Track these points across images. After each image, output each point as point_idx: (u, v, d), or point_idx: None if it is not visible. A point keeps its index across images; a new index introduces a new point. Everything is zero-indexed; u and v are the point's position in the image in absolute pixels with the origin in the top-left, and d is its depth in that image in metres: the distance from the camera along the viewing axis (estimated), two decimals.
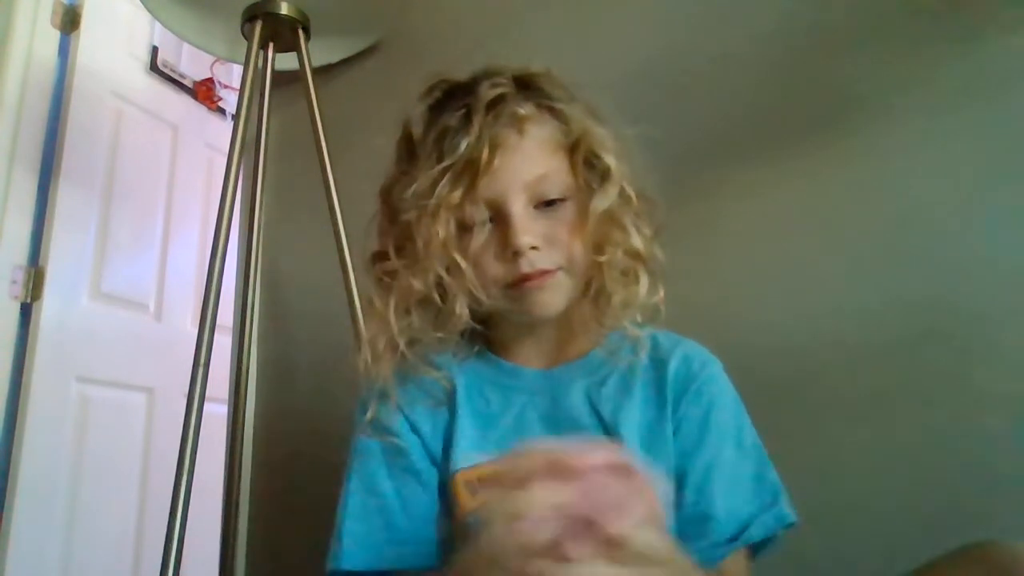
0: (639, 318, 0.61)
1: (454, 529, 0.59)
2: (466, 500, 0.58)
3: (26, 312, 1.64)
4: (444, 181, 0.56)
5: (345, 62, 1.36)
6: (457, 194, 0.56)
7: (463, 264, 0.56)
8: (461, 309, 0.57)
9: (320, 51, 1.29)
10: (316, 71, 1.21)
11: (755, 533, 0.56)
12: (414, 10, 1.28)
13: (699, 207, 0.94)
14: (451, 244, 0.57)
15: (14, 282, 1.62)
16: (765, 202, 0.91)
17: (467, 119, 0.56)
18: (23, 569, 1.48)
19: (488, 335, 0.66)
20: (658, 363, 0.62)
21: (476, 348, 0.65)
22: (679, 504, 0.57)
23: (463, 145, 0.56)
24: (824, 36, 0.92)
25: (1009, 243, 0.77)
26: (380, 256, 0.62)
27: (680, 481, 0.57)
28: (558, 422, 0.60)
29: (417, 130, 0.61)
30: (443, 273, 0.57)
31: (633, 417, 0.59)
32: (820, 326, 0.85)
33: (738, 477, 0.58)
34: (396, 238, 0.60)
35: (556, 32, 1.13)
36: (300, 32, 1.19)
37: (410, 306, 0.59)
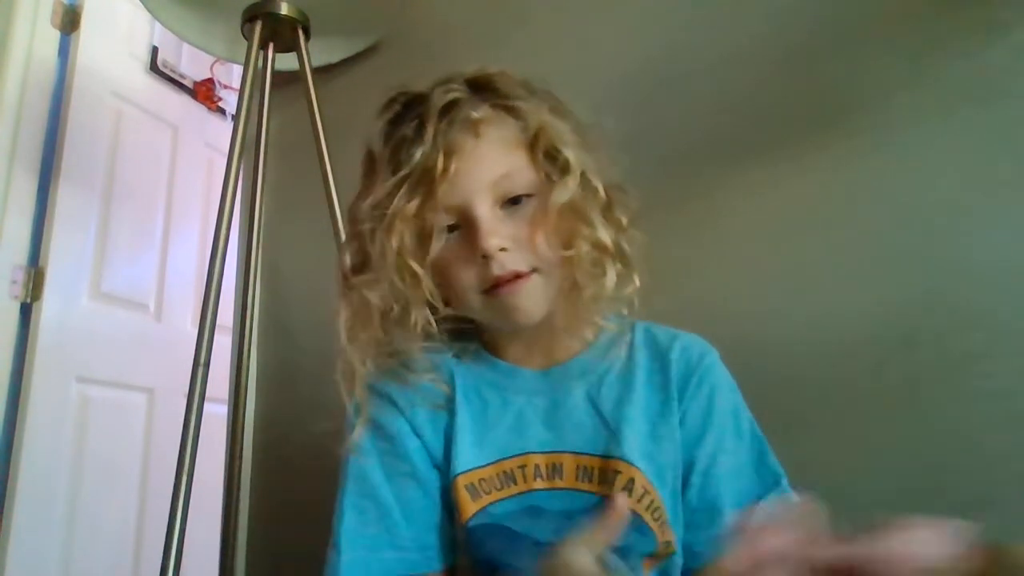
0: (625, 312, 0.61)
1: (456, 533, 0.59)
2: (466, 504, 0.57)
3: (26, 312, 1.64)
4: (401, 191, 0.56)
5: (345, 62, 1.36)
6: (414, 204, 0.55)
7: (420, 273, 0.56)
8: (418, 319, 0.57)
9: (320, 51, 1.29)
10: (316, 71, 1.21)
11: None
12: (414, 10, 1.28)
13: (699, 206, 0.94)
14: (407, 253, 0.56)
15: (14, 282, 1.62)
16: (765, 201, 0.91)
17: (421, 127, 0.56)
18: (23, 569, 1.48)
19: (482, 335, 0.66)
20: (658, 356, 0.62)
21: (473, 348, 0.65)
22: (687, 492, 0.58)
23: (418, 154, 0.55)
24: (824, 36, 0.92)
25: (1009, 243, 0.77)
26: (344, 274, 0.62)
27: (687, 470, 0.59)
28: (559, 422, 0.61)
29: (376, 145, 0.61)
30: (400, 284, 0.56)
31: (637, 413, 0.59)
32: (820, 325, 0.84)
33: (740, 463, 0.59)
34: (355, 253, 0.61)
35: (556, 31, 1.13)
36: (300, 32, 1.19)
37: (371, 320, 0.58)
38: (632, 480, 0.56)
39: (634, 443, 0.58)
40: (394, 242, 0.55)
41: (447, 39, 1.26)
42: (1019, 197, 0.78)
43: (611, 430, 0.59)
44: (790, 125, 0.92)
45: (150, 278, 1.98)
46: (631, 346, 0.63)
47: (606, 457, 0.58)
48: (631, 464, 0.57)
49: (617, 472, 0.57)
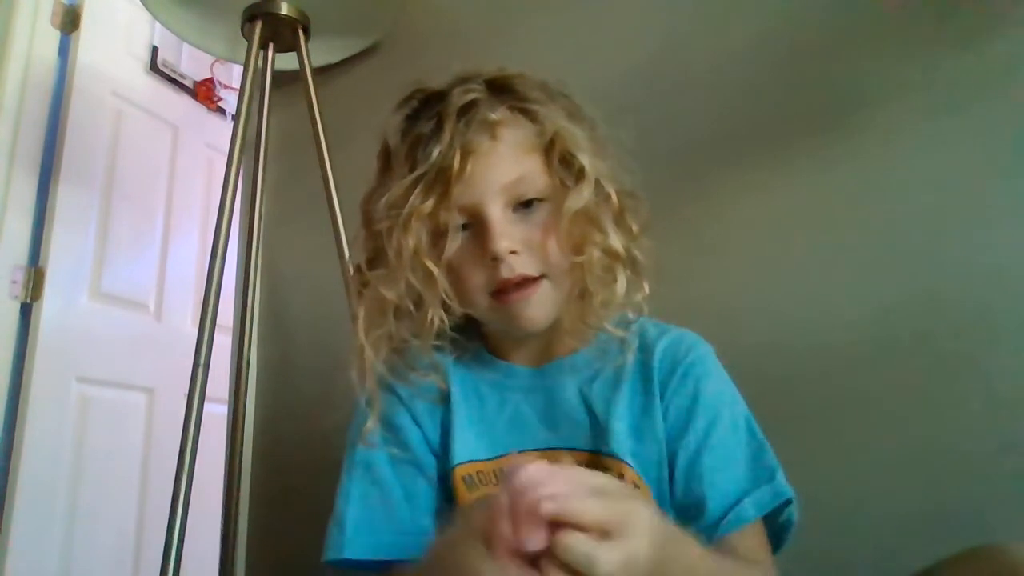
0: (630, 315, 0.61)
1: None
2: (463, 495, 0.58)
3: (26, 312, 1.64)
4: (417, 190, 0.56)
5: (345, 62, 1.36)
6: (430, 203, 0.56)
7: (435, 272, 0.56)
8: (434, 317, 0.58)
9: (320, 51, 1.29)
10: (316, 71, 1.21)
11: (749, 510, 0.56)
12: (414, 10, 1.28)
13: (701, 206, 0.94)
14: (423, 253, 0.56)
15: (14, 282, 1.62)
16: (767, 202, 0.91)
17: (439, 127, 0.56)
18: (23, 569, 1.48)
19: (482, 334, 0.66)
20: (644, 352, 0.62)
21: (473, 348, 0.66)
22: (671, 489, 0.58)
23: (435, 153, 0.56)
24: (826, 36, 0.92)
25: (1010, 243, 0.77)
26: (359, 268, 0.63)
27: (671, 466, 0.58)
28: (553, 419, 0.61)
29: (393, 140, 0.61)
30: (415, 282, 0.57)
31: (623, 409, 0.60)
32: (821, 325, 0.85)
33: (730, 458, 0.58)
34: (370, 249, 0.61)
35: (557, 31, 1.13)
36: (300, 32, 1.19)
37: (385, 316, 0.59)
38: (621, 476, 0.57)
39: (622, 439, 0.58)
40: (411, 241, 0.56)
41: (447, 39, 1.26)
42: (1019, 197, 0.78)
43: (601, 428, 0.59)
44: (790, 125, 0.92)
45: (150, 278, 1.97)
46: (626, 344, 0.62)
47: (596, 453, 0.59)
48: (620, 459, 0.57)
49: (606, 468, 0.57)
